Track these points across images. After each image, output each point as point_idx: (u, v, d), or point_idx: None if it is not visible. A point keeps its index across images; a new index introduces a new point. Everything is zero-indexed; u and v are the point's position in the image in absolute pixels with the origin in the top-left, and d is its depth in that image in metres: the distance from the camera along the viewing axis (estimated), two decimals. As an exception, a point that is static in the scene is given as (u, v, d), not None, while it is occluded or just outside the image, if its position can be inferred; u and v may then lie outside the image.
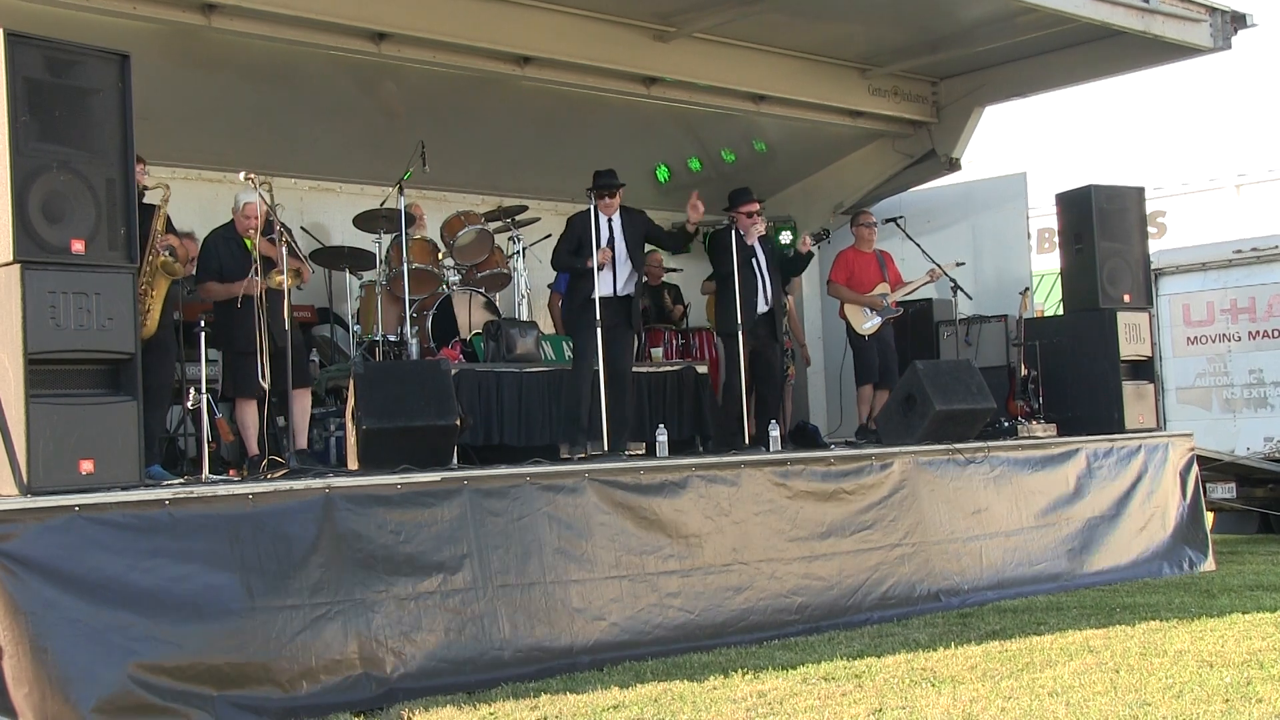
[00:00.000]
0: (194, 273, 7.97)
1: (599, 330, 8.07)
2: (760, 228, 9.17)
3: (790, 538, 7.30)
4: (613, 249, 8.32)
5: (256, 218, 7.62)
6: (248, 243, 7.64)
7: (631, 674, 6.08)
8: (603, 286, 8.22)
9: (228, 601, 5.38)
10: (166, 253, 7.34)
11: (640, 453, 8.70)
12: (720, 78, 10.69)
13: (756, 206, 9.17)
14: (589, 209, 8.42)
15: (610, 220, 8.44)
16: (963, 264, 10.45)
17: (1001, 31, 10.63)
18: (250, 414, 7.76)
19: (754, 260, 9.13)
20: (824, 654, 6.45)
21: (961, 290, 10.47)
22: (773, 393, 9.21)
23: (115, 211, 5.62)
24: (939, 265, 10.23)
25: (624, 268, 8.40)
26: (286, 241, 7.37)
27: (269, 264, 7.44)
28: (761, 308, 9.12)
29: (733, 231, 8.98)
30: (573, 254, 8.44)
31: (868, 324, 10.13)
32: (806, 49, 10.91)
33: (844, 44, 10.91)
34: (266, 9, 8.47)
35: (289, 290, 7.40)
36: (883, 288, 10.15)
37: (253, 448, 7.80)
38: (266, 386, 7.24)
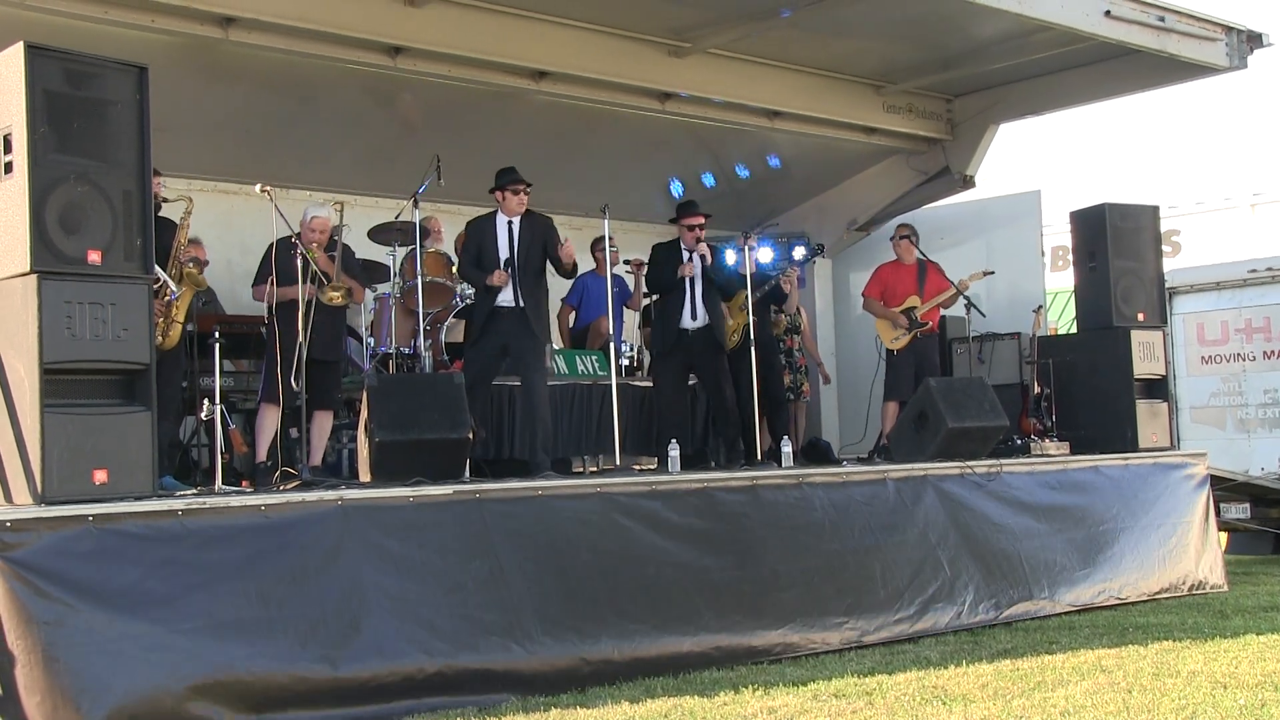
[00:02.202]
0: (206, 285, 8.00)
1: (484, 349, 8.02)
2: (690, 241, 8.95)
3: (809, 551, 7.29)
4: (512, 256, 7.98)
5: (324, 232, 7.67)
6: (310, 255, 7.68)
7: (642, 689, 6.07)
8: (497, 297, 8.00)
9: (241, 613, 5.38)
10: (191, 264, 7.40)
11: (651, 467, 8.69)
12: (735, 93, 10.70)
13: (699, 220, 8.99)
14: (491, 212, 8.21)
15: (511, 224, 8.10)
16: (992, 273, 10.41)
17: (1016, 49, 10.63)
18: (272, 419, 7.78)
19: (687, 277, 8.97)
20: (835, 670, 6.43)
21: (975, 308, 10.46)
22: (721, 407, 9.03)
23: (132, 223, 5.65)
24: (958, 280, 10.21)
25: (518, 277, 8.01)
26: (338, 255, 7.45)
27: (325, 279, 7.52)
28: (687, 324, 8.93)
29: (682, 246, 8.97)
30: (474, 265, 8.09)
31: (895, 338, 10.15)
32: (821, 65, 10.93)
33: (859, 61, 10.92)
34: (284, 22, 8.51)
35: (306, 305, 7.44)
36: (912, 300, 10.13)
37: (262, 454, 7.81)
38: (300, 394, 7.27)
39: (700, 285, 8.96)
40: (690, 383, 9.29)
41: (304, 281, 7.43)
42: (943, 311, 10.85)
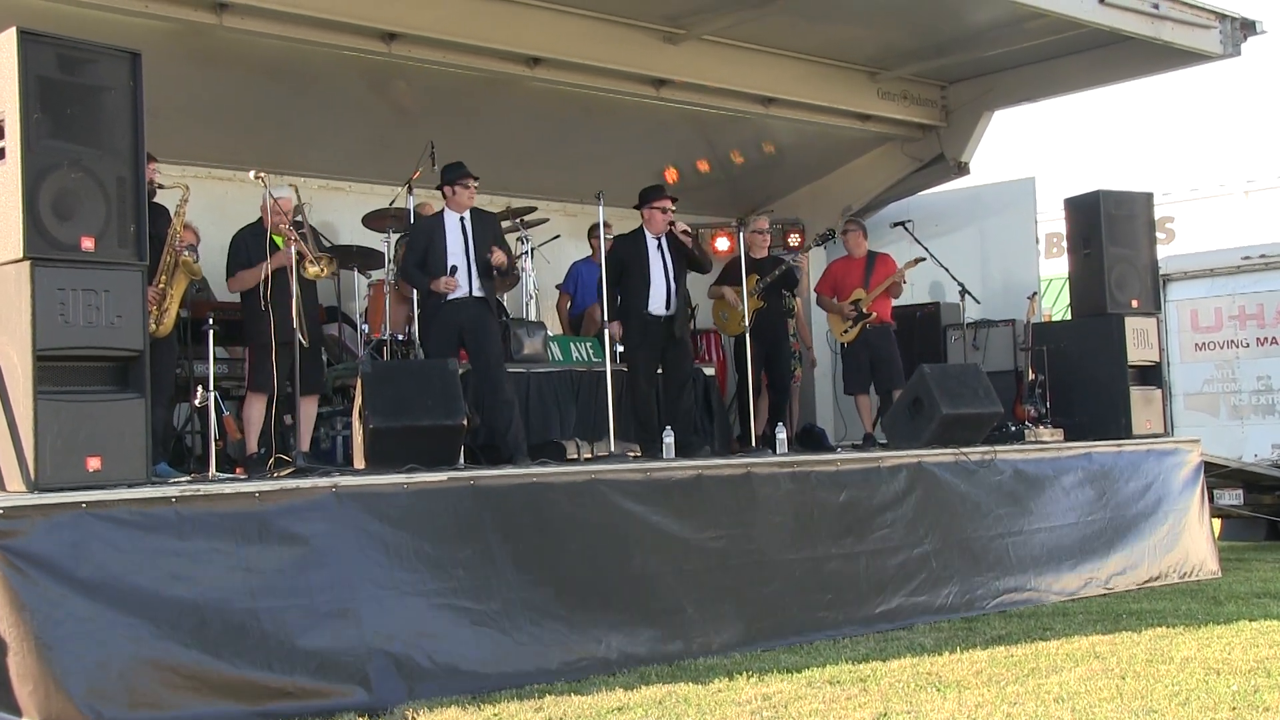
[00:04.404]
0: (201, 275, 7.99)
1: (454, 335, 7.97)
2: (661, 224, 8.74)
3: (804, 539, 7.31)
4: (466, 252, 7.97)
5: (289, 214, 7.63)
6: (278, 240, 7.64)
7: (636, 676, 6.09)
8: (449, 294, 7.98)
9: (235, 600, 5.38)
10: (187, 252, 7.38)
11: (637, 454, 8.68)
12: (730, 80, 10.68)
13: (668, 203, 8.83)
14: (437, 213, 8.18)
15: (462, 219, 8.05)
16: (922, 260, 10.44)
17: (1011, 36, 10.62)
18: (259, 409, 7.77)
19: (652, 261, 8.74)
20: (829, 657, 6.45)
21: (969, 294, 10.47)
22: (674, 397, 8.85)
23: (125, 209, 5.63)
24: (902, 268, 10.31)
25: (475, 270, 7.99)
26: (307, 234, 7.42)
27: (299, 259, 7.49)
28: (656, 310, 8.67)
29: (648, 231, 8.81)
30: (419, 265, 8.00)
31: (844, 331, 10.24)
32: (816, 52, 10.91)
33: (853, 47, 10.90)
34: (278, 8, 8.47)
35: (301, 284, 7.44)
36: (858, 293, 10.21)
37: (252, 445, 7.80)
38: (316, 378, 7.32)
39: (674, 271, 8.79)
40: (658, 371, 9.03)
41: (292, 268, 7.41)
42: (936, 299, 10.90)
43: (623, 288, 8.78)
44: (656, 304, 8.69)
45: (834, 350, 10.66)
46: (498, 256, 7.98)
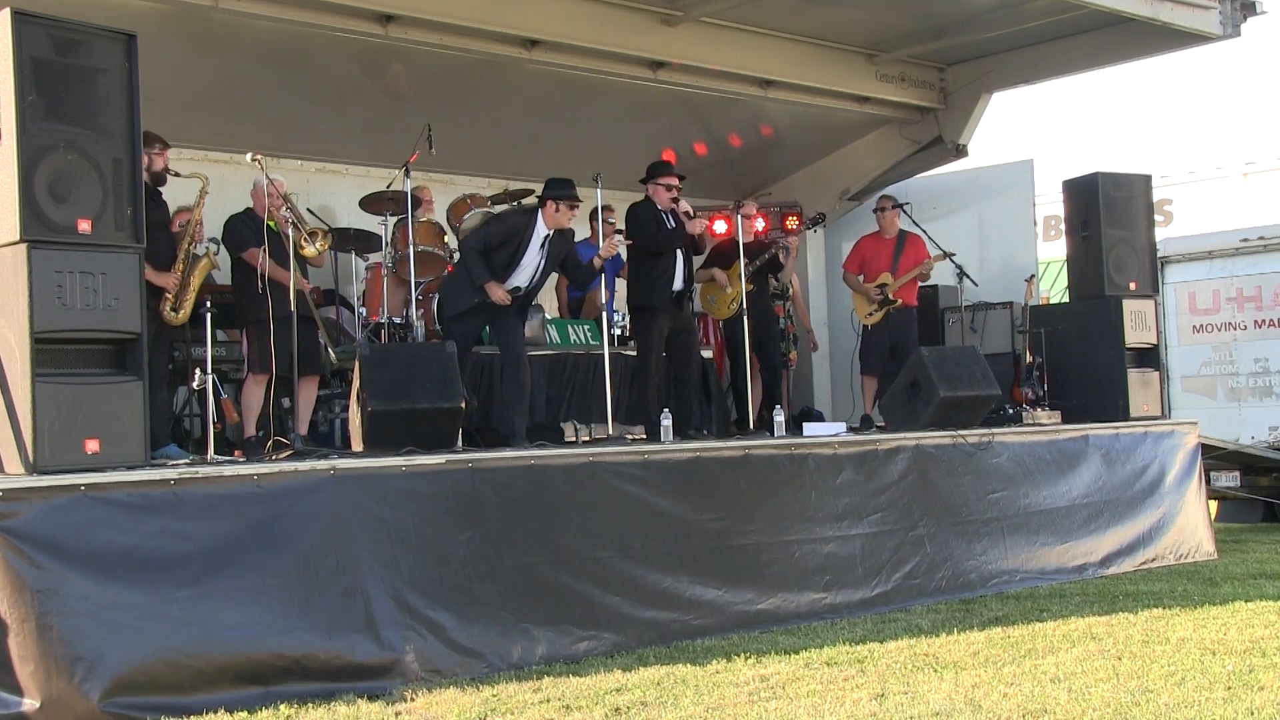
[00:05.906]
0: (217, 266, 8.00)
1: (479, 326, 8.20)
2: (673, 202, 8.80)
3: (803, 520, 7.32)
4: (536, 273, 8.10)
5: (278, 196, 7.61)
6: (271, 224, 7.63)
7: (634, 657, 6.11)
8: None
9: (233, 582, 5.39)
10: (210, 244, 7.39)
11: (641, 437, 8.69)
12: (727, 62, 10.65)
13: (675, 180, 8.87)
14: (531, 210, 8.19)
15: (547, 237, 8.09)
16: (954, 254, 10.43)
17: (1009, 17, 10.59)
18: (258, 392, 7.76)
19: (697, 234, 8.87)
20: (827, 639, 6.47)
21: (967, 277, 10.46)
22: (689, 372, 8.97)
23: (122, 191, 5.63)
24: (927, 260, 10.27)
25: (529, 288, 8.19)
26: (293, 222, 7.43)
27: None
28: (677, 285, 8.81)
29: (660, 207, 8.84)
30: (484, 254, 7.99)
31: (869, 314, 10.21)
32: (814, 34, 10.88)
33: (851, 29, 10.87)
34: (273, -11, 8.46)
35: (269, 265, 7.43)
36: (884, 277, 10.19)
37: (251, 428, 7.80)
38: (329, 361, 7.61)
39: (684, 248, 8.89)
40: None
41: (290, 249, 7.41)
42: (934, 281, 10.85)
43: (641, 260, 8.86)
44: (676, 279, 8.79)
45: (855, 331, 10.61)
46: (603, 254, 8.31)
